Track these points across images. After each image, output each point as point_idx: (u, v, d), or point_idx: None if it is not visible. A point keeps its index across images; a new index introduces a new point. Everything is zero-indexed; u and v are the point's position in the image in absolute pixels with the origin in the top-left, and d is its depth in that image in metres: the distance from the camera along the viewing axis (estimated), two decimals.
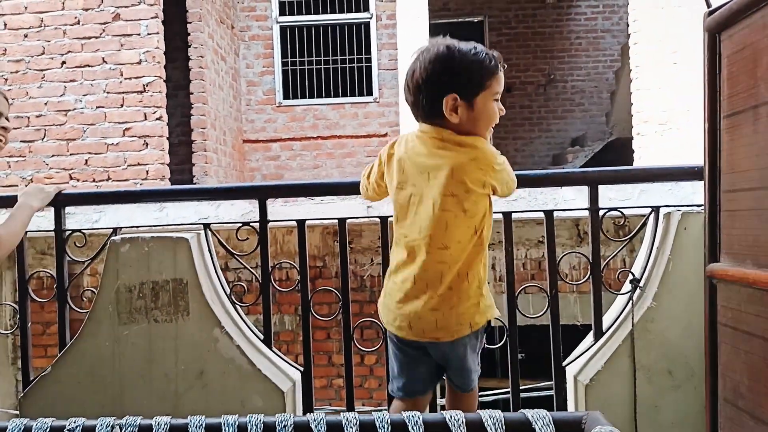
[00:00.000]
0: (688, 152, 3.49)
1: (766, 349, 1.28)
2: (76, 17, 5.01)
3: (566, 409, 1.93)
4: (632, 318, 1.86)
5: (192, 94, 6.00)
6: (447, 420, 1.22)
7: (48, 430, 1.15)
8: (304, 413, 1.96)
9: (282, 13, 7.13)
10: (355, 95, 7.10)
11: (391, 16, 6.71)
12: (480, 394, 1.65)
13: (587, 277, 1.92)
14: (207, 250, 2.02)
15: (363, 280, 4.83)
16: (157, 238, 1.95)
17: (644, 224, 1.95)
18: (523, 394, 2.02)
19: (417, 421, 1.23)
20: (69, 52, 5.02)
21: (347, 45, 7.11)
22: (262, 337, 2.01)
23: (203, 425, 1.22)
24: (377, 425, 1.22)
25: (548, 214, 1.94)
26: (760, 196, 1.30)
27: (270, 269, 1.97)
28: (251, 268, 2.07)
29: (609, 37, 8.74)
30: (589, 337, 1.99)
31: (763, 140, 1.28)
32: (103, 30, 5.00)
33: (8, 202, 1.86)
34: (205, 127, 5.98)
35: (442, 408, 1.66)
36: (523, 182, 2.19)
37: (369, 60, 7.06)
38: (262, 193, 1.99)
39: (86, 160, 5.05)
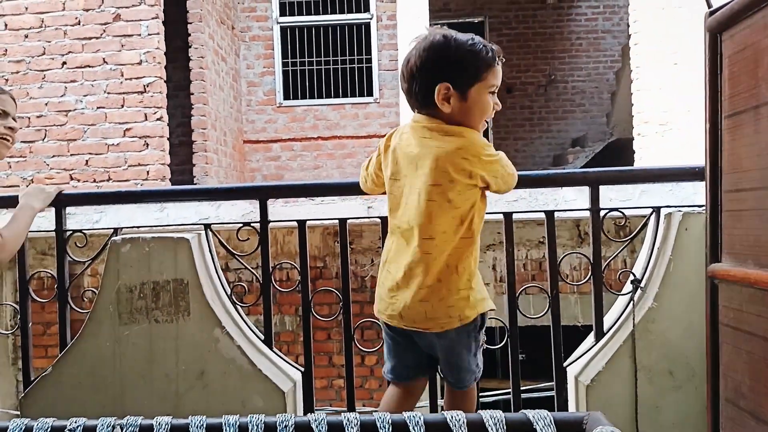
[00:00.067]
0: (689, 152, 3.49)
1: None
2: (76, 18, 5.01)
3: (567, 410, 1.92)
4: (633, 318, 1.85)
5: (192, 94, 6.00)
6: (448, 420, 1.22)
7: (49, 430, 1.15)
8: (305, 414, 1.96)
9: (282, 13, 7.13)
10: (355, 96, 7.10)
11: (392, 17, 6.71)
12: (480, 394, 1.65)
13: (588, 277, 1.92)
14: (208, 251, 2.02)
15: (363, 281, 4.83)
16: (157, 238, 1.95)
17: (645, 225, 1.95)
18: (523, 395, 2.02)
19: (418, 422, 1.22)
20: (70, 52, 5.02)
21: (348, 45, 7.11)
22: (262, 337, 2.01)
23: (204, 425, 1.22)
24: (378, 425, 1.22)
25: (549, 214, 1.94)
26: (762, 196, 1.30)
27: (271, 269, 1.97)
28: (252, 268, 2.07)
29: (609, 38, 8.74)
30: (590, 338, 1.99)
31: (765, 140, 1.28)
32: (104, 30, 5.01)
33: (9, 202, 1.86)
34: (206, 128, 5.98)
35: (443, 409, 1.66)
36: (524, 183, 2.19)
37: (369, 60, 7.06)
38: (262, 194, 1.99)
39: (87, 161, 5.05)
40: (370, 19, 7.05)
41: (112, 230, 2.01)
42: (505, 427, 1.21)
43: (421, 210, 1.42)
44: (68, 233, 2.00)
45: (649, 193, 2.51)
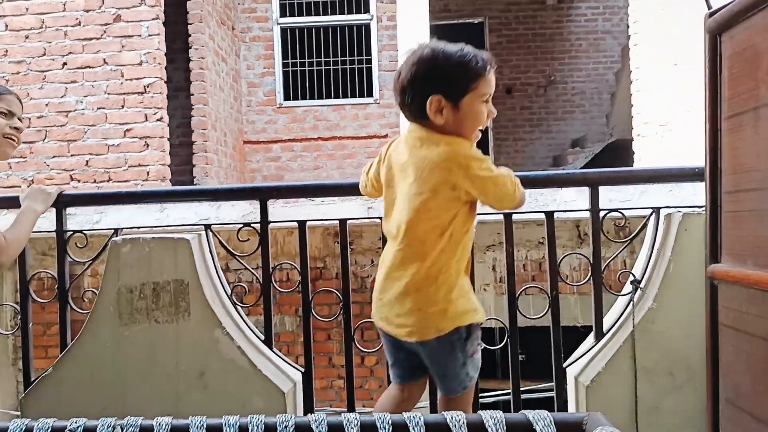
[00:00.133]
0: (689, 153, 3.49)
1: None
2: (77, 18, 5.01)
3: (567, 411, 1.93)
4: (633, 319, 1.86)
5: (193, 95, 6.00)
6: (448, 421, 1.22)
7: (49, 430, 1.15)
8: (305, 414, 1.96)
9: (283, 14, 7.13)
10: (355, 96, 7.10)
11: (392, 18, 6.71)
12: (480, 395, 1.65)
13: (588, 278, 1.92)
14: (208, 251, 2.02)
15: (364, 281, 4.83)
16: (158, 238, 1.95)
17: (645, 225, 1.95)
18: (523, 395, 2.02)
19: (418, 422, 1.23)
20: (70, 53, 5.02)
21: (348, 46, 7.12)
22: (262, 337, 2.01)
23: (204, 426, 1.22)
24: (378, 426, 1.22)
25: (549, 215, 1.94)
26: (762, 197, 1.30)
27: (271, 270, 1.97)
28: (252, 269, 2.07)
29: (609, 39, 8.74)
30: (590, 338, 1.99)
31: (764, 141, 1.28)
32: (104, 31, 5.01)
33: (10, 203, 1.86)
34: (206, 129, 5.98)
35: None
36: (524, 183, 2.19)
37: (369, 61, 7.06)
38: (263, 194, 2.00)
39: (87, 161, 5.05)
40: (370, 20, 7.05)
41: (113, 231, 2.01)
42: (504, 428, 1.21)
43: (404, 218, 1.43)
44: (69, 234, 2.00)
45: (648, 194, 2.52)
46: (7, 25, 5.04)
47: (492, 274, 4.64)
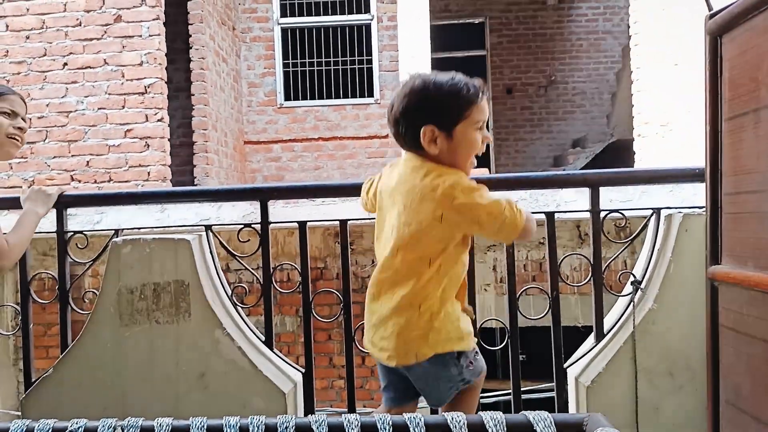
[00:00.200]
0: (689, 153, 3.49)
1: None
2: (77, 19, 5.02)
3: (567, 411, 1.93)
4: (633, 320, 1.86)
5: (193, 95, 6.00)
6: (448, 422, 1.22)
7: (50, 431, 1.15)
8: (305, 415, 1.96)
9: (283, 14, 7.13)
10: (356, 97, 7.10)
11: (392, 18, 6.71)
12: (481, 395, 1.65)
13: (588, 278, 1.92)
14: (208, 252, 2.02)
15: (364, 282, 4.83)
16: (158, 239, 1.95)
17: (645, 226, 1.95)
18: (524, 396, 2.02)
19: (418, 423, 1.23)
20: (71, 53, 5.03)
21: (348, 46, 7.12)
22: (263, 338, 2.01)
23: (204, 427, 1.23)
24: (379, 427, 1.22)
25: (549, 215, 1.94)
26: (762, 199, 1.30)
27: (271, 271, 1.97)
28: (252, 269, 2.07)
29: (610, 39, 8.74)
30: (591, 339, 1.99)
31: (765, 143, 1.28)
32: (105, 32, 5.01)
33: (10, 203, 1.86)
34: (207, 129, 5.98)
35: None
36: (525, 184, 2.20)
37: (370, 62, 7.06)
38: (263, 195, 2.00)
39: (88, 162, 5.06)
40: (371, 20, 7.05)
41: (113, 231, 2.01)
42: (505, 429, 1.21)
43: (391, 245, 1.43)
44: (69, 234, 2.01)
45: (649, 194, 2.51)
46: (7, 26, 5.04)
47: (493, 274, 4.64)
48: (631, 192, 2.82)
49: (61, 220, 1.99)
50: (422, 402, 1.70)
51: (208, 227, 2.04)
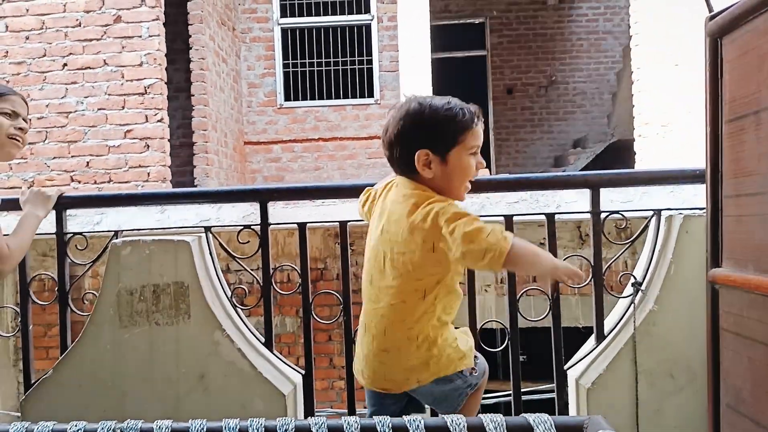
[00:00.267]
0: (690, 153, 3.48)
1: None
2: (77, 19, 5.01)
3: (568, 413, 1.92)
4: (634, 321, 1.85)
5: (193, 96, 6.00)
6: (448, 424, 1.22)
7: None
8: (306, 416, 1.96)
9: (283, 15, 7.13)
10: (356, 97, 7.10)
11: (392, 18, 6.71)
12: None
13: (589, 279, 1.91)
14: (208, 253, 2.02)
15: None
16: (158, 240, 1.95)
17: (646, 227, 1.95)
18: (524, 397, 2.02)
19: (419, 425, 1.22)
20: (70, 54, 5.02)
21: (348, 47, 7.11)
22: (263, 339, 2.01)
23: (204, 429, 1.22)
24: (378, 429, 1.22)
25: (550, 217, 1.94)
26: (763, 202, 1.30)
27: (271, 272, 1.97)
28: (252, 270, 2.07)
29: (610, 39, 8.74)
30: (591, 341, 1.99)
31: (766, 145, 1.28)
32: (105, 32, 5.01)
33: (10, 205, 1.86)
34: (206, 129, 5.98)
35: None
36: (525, 185, 2.20)
37: (370, 62, 7.06)
38: (263, 196, 1.99)
39: (87, 162, 5.06)
40: (371, 20, 7.05)
41: (113, 233, 2.01)
42: (505, 431, 1.21)
43: (384, 274, 1.42)
44: (69, 235, 2.00)
45: (650, 195, 2.50)
46: (7, 26, 5.04)
47: (493, 275, 4.63)
48: (631, 193, 2.82)
49: (60, 221, 1.98)
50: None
51: (207, 228, 2.03)
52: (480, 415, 1.26)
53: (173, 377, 1.90)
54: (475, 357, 1.52)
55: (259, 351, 1.99)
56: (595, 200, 1.89)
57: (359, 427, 1.22)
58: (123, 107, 5.03)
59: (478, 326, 1.95)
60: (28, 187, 2.11)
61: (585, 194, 1.93)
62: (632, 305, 1.88)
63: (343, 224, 1.98)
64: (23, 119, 1.68)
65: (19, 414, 1.95)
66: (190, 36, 6.01)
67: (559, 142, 8.81)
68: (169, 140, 5.20)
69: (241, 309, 2.06)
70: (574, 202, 2.54)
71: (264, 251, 1.96)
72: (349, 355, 2.00)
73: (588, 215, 1.91)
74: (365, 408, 1.61)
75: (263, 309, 1.99)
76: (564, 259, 1.98)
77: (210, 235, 2.02)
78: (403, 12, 5.52)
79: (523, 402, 1.97)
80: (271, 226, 1.98)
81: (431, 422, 1.25)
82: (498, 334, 5.89)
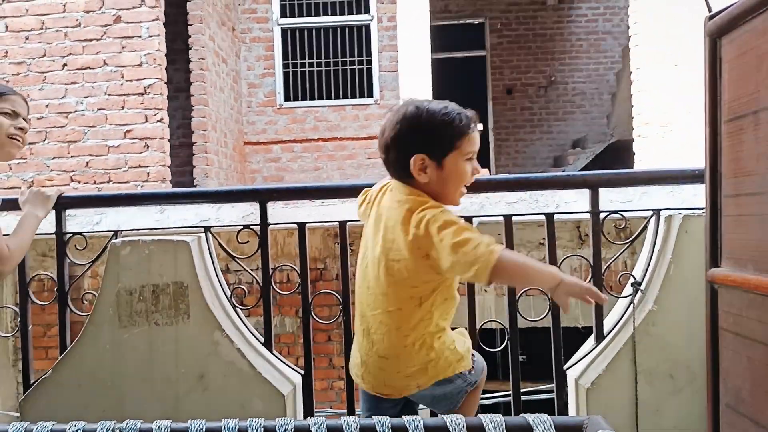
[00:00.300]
0: (689, 153, 3.49)
1: None
2: (77, 20, 5.01)
3: (567, 413, 1.92)
4: (633, 321, 1.85)
5: (193, 96, 6.00)
6: (448, 424, 1.22)
7: None
8: (305, 416, 1.96)
9: (283, 15, 7.13)
10: (355, 97, 7.10)
11: (392, 18, 6.71)
12: (481, 396, 1.65)
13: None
14: (207, 253, 2.02)
15: None
16: (157, 241, 1.95)
17: (645, 227, 1.95)
18: (524, 397, 2.02)
19: (418, 425, 1.22)
20: (70, 54, 5.02)
21: (348, 47, 7.12)
22: (262, 340, 2.01)
23: (204, 429, 1.22)
24: (378, 429, 1.22)
25: (549, 217, 1.94)
26: (762, 202, 1.30)
27: (270, 272, 1.97)
28: (252, 270, 2.07)
29: (610, 39, 8.74)
30: (591, 341, 1.99)
31: (765, 145, 1.28)
32: (104, 32, 5.01)
33: (10, 204, 1.86)
34: (206, 129, 5.98)
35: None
36: (524, 185, 2.20)
37: (370, 62, 7.06)
38: (262, 197, 1.99)
39: (87, 162, 5.06)
40: (371, 20, 7.05)
41: (112, 233, 2.01)
42: (505, 431, 1.21)
43: (379, 281, 1.41)
44: (68, 235, 2.00)
45: (649, 195, 2.51)
46: (7, 26, 5.04)
47: None
48: (631, 192, 2.82)
49: (60, 221, 1.98)
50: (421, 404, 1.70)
51: (207, 228, 2.03)
52: (479, 415, 1.26)
53: (172, 377, 1.90)
54: (472, 356, 1.52)
55: (258, 351, 1.99)
56: (595, 200, 1.89)
57: (358, 427, 1.22)
58: (123, 107, 5.03)
59: (478, 326, 1.95)
60: (28, 187, 2.11)
61: (584, 194, 1.93)
62: (632, 305, 1.89)
63: (342, 224, 1.98)
64: (23, 119, 1.69)
65: (19, 414, 1.95)
66: (190, 36, 6.00)
67: (559, 142, 8.82)
68: (168, 140, 5.20)
69: (241, 309, 2.06)
70: (573, 202, 2.55)
71: (263, 251, 1.96)
72: (349, 356, 2.00)
73: (587, 215, 1.91)
74: None
75: (263, 309, 1.99)
76: (564, 259, 1.99)
77: (209, 235, 2.02)
78: (403, 12, 5.53)
79: (522, 402, 1.97)
80: (271, 226, 1.98)
81: (431, 422, 1.26)
82: (497, 334, 5.90)
